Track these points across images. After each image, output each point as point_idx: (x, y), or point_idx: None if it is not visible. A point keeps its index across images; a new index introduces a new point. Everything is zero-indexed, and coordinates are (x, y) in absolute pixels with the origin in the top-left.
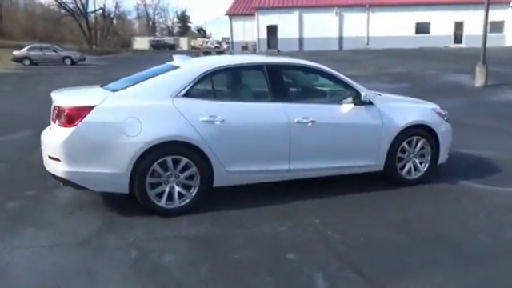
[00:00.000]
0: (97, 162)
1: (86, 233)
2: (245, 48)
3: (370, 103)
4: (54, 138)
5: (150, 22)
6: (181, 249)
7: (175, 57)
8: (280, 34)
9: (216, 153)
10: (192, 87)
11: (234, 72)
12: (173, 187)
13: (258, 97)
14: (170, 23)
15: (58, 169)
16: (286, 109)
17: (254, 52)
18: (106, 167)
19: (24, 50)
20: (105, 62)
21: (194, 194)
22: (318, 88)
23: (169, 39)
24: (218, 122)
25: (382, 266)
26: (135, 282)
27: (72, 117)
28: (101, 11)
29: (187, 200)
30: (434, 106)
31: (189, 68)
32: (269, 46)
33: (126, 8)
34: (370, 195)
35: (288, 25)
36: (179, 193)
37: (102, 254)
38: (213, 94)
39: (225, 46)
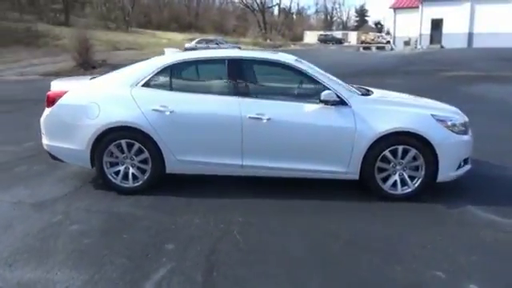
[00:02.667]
0: (66, 138)
1: (48, 197)
2: (407, 43)
3: (343, 103)
4: (42, 116)
5: (328, 17)
6: (93, 221)
7: (166, 50)
8: (445, 29)
9: (165, 141)
10: (151, 78)
11: (194, 65)
12: (128, 168)
13: (215, 90)
14: (345, 17)
15: (43, 142)
16: (240, 103)
17: (415, 48)
18: (72, 143)
19: (193, 42)
20: None
21: (146, 177)
22: (285, 85)
23: (337, 33)
24: (168, 112)
25: (230, 272)
26: (31, 237)
27: (51, 100)
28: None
29: (140, 181)
30: (437, 111)
31: (152, 60)
32: (431, 42)
33: (306, 3)
34: (329, 204)
35: (456, 18)
36: (133, 174)
37: (37, 215)
38: (169, 86)
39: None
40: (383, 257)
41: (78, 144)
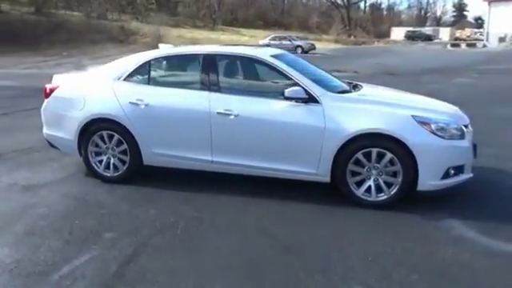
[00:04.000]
0: (60, 127)
1: (41, 181)
2: (502, 40)
3: (314, 101)
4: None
5: (422, 12)
6: (60, 206)
7: (160, 45)
8: None
9: (141, 133)
10: (131, 73)
11: (172, 60)
12: (109, 158)
13: (189, 85)
14: (439, 12)
15: (43, 130)
16: (210, 99)
17: (511, 45)
18: (64, 133)
19: (267, 39)
20: (339, 52)
21: (125, 167)
22: (257, 81)
23: (427, 30)
24: (143, 106)
25: (145, 264)
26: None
27: (48, 92)
28: (367, 2)
29: (120, 172)
30: (421, 112)
31: (135, 55)
32: None
33: None
34: (295, 207)
35: None
36: (114, 164)
37: (19, 196)
38: (147, 80)
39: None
40: (312, 265)
41: (67, 133)
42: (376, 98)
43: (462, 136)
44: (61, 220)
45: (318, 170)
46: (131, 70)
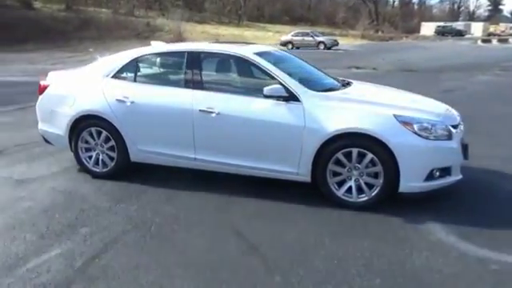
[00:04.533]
0: (52, 123)
1: (35, 175)
2: None
3: (295, 99)
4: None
5: (455, 6)
6: (46, 200)
7: (152, 43)
8: None
9: (127, 130)
10: (120, 70)
11: (158, 58)
12: (98, 154)
13: (173, 82)
14: (472, 7)
15: (38, 126)
16: (192, 96)
17: None
18: (56, 128)
19: (289, 35)
20: (362, 49)
21: (113, 163)
22: (240, 78)
23: (459, 25)
24: (129, 103)
25: (111, 261)
26: None
27: (42, 89)
28: None
29: (108, 167)
30: (404, 111)
31: (124, 53)
32: None
33: None
34: (278, 206)
35: None
36: (103, 160)
37: (10, 189)
38: (133, 78)
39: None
40: (275, 265)
41: (59, 129)
42: (360, 96)
43: (449, 136)
44: (42, 214)
45: (299, 170)
46: (119, 67)
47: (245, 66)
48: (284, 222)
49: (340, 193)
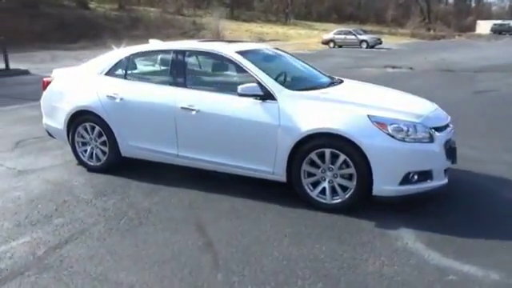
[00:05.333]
0: (53, 118)
1: (37, 167)
2: None
3: (272, 97)
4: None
5: None
6: (37, 191)
7: (150, 41)
8: None
9: (117, 126)
10: (112, 67)
11: (147, 56)
12: (93, 149)
13: (159, 80)
14: None
15: (42, 120)
16: (175, 94)
17: None
18: (56, 123)
19: (331, 33)
20: (406, 47)
21: (105, 158)
22: (221, 77)
23: None
24: (118, 100)
25: (71, 251)
26: None
27: (45, 85)
28: None
29: (101, 162)
30: (380, 112)
31: (118, 51)
32: None
33: None
34: (243, 203)
35: None
36: (96, 154)
37: (10, 180)
38: (124, 75)
39: None
40: (223, 263)
41: (59, 124)
42: (339, 96)
43: (430, 139)
44: (27, 203)
45: (274, 169)
46: (112, 64)
47: (226, 64)
48: (251, 220)
49: (314, 194)
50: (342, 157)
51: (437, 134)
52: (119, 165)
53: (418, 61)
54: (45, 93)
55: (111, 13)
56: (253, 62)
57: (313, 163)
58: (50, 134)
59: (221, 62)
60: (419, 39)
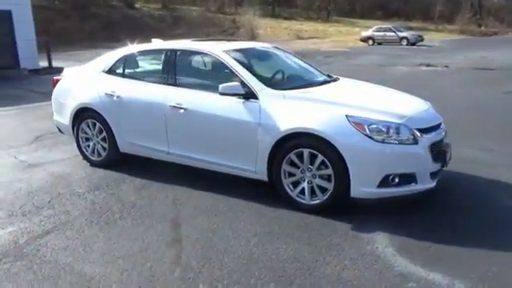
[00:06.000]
0: (61, 114)
1: (46, 161)
2: None
3: (254, 97)
4: None
5: None
6: (37, 183)
7: (153, 40)
8: None
9: (115, 123)
10: (112, 66)
11: (144, 55)
12: (95, 144)
13: (152, 79)
14: None
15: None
16: (165, 92)
17: None
18: (63, 119)
19: (370, 30)
20: (449, 45)
21: (105, 153)
22: (208, 75)
23: None
24: (115, 97)
25: (50, 241)
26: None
27: (54, 83)
28: None
29: (102, 157)
30: (359, 112)
31: (119, 50)
32: None
33: None
34: (225, 201)
35: None
36: (97, 150)
37: (18, 172)
38: (122, 73)
39: None
40: (186, 260)
41: (65, 120)
42: (322, 95)
43: (413, 141)
44: (25, 195)
45: (257, 168)
46: (112, 63)
47: (213, 63)
48: (228, 218)
49: (294, 194)
50: (320, 157)
51: (421, 135)
52: (120, 160)
53: (458, 59)
54: (54, 90)
55: (155, 12)
56: (240, 61)
57: (293, 163)
58: (59, 130)
59: (209, 61)
60: (468, 36)
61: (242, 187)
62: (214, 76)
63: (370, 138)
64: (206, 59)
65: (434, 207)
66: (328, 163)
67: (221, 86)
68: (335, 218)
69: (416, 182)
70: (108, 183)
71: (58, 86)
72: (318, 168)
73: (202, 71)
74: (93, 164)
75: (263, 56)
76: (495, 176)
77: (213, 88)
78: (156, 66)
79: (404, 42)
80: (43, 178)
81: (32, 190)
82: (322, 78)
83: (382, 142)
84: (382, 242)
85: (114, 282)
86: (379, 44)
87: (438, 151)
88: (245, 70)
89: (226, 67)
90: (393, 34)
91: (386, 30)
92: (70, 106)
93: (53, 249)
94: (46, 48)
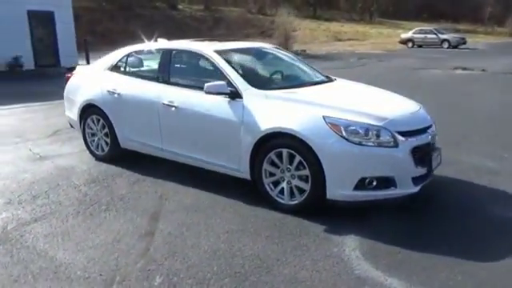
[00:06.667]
0: (71, 110)
1: (55, 153)
2: None
3: (239, 96)
4: None
5: None
6: (41, 175)
7: (159, 40)
8: None
9: (115, 119)
10: (115, 64)
11: (144, 54)
12: (99, 139)
13: (149, 77)
14: None
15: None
16: (160, 90)
17: None
18: (73, 115)
19: (410, 33)
20: (493, 48)
21: (108, 148)
22: (199, 75)
23: None
24: (116, 94)
25: (36, 228)
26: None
27: (66, 80)
28: None
29: (105, 151)
30: (337, 113)
31: (122, 49)
32: None
33: None
34: (209, 198)
35: None
36: (100, 145)
37: (28, 164)
38: (123, 71)
39: None
40: (151, 253)
41: (74, 115)
42: (304, 96)
43: (393, 144)
44: (26, 185)
45: (240, 167)
46: (115, 61)
47: (204, 62)
48: (207, 215)
49: (274, 193)
50: (298, 158)
51: (403, 138)
52: (123, 156)
53: (498, 63)
54: (66, 87)
55: (197, 13)
56: (229, 61)
57: (273, 163)
58: (71, 125)
59: (201, 61)
60: None
61: (229, 186)
62: (205, 75)
63: (346, 139)
64: (198, 59)
65: (416, 213)
66: (305, 164)
67: (206, 84)
68: (312, 219)
69: (395, 187)
70: (105, 177)
71: (68, 82)
72: (297, 168)
73: (194, 70)
74: (97, 158)
75: (258, 56)
76: (493, 185)
77: (202, 87)
78: (153, 65)
79: (445, 45)
80: (48, 169)
81: (34, 180)
82: (316, 79)
83: (359, 144)
84: (350, 245)
85: (78, 269)
86: (419, 46)
87: (422, 155)
88: (232, 70)
89: (216, 67)
90: (434, 36)
91: (426, 32)
92: (78, 102)
93: (35, 235)
94: (84, 47)
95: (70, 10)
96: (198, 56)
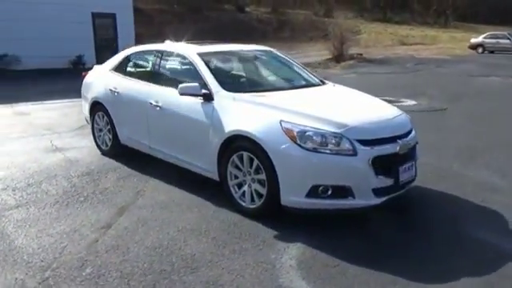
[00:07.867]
0: (85, 106)
1: (70, 146)
2: None
3: (211, 97)
4: None
5: None
6: (51, 163)
7: (166, 41)
8: None
9: (116, 116)
10: (118, 64)
11: (142, 55)
12: (104, 135)
13: (144, 77)
14: None
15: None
16: (149, 90)
17: None
18: (86, 110)
19: (480, 37)
20: None
21: (110, 144)
22: (183, 76)
23: None
24: (116, 93)
25: (26, 215)
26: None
27: (82, 78)
28: None
29: (108, 147)
30: (295, 117)
31: (126, 50)
32: None
33: None
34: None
35: None
36: (105, 140)
37: (40, 154)
38: (124, 71)
39: None
40: (100, 247)
41: (86, 111)
42: (273, 100)
43: (352, 152)
44: (29, 174)
45: (210, 168)
46: (118, 61)
47: (188, 64)
48: (171, 213)
49: (237, 196)
50: (256, 161)
51: (363, 147)
52: (126, 151)
53: None
54: (82, 84)
55: (263, 16)
56: (209, 64)
57: (237, 166)
58: (86, 121)
59: (185, 63)
60: None
61: (207, 186)
62: (186, 77)
63: (299, 145)
64: (182, 60)
65: (378, 227)
66: (262, 168)
67: (180, 86)
68: (268, 224)
69: (353, 197)
70: (100, 170)
71: (84, 81)
72: (256, 172)
73: (178, 72)
74: (102, 153)
75: (244, 60)
76: (486, 202)
77: None
78: (147, 65)
79: None
80: (56, 161)
81: (38, 170)
82: (301, 83)
83: (313, 150)
84: (291, 253)
85: (26, 254)
86: (491, 52)
87: (387, 166)
88: (208, 72)
89: (195, 68)
90: (507, 41)
91: (499, 36)
92: (88, 99)
93: (10, 220)
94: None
95: (131, 11)
96: (183, 58)
